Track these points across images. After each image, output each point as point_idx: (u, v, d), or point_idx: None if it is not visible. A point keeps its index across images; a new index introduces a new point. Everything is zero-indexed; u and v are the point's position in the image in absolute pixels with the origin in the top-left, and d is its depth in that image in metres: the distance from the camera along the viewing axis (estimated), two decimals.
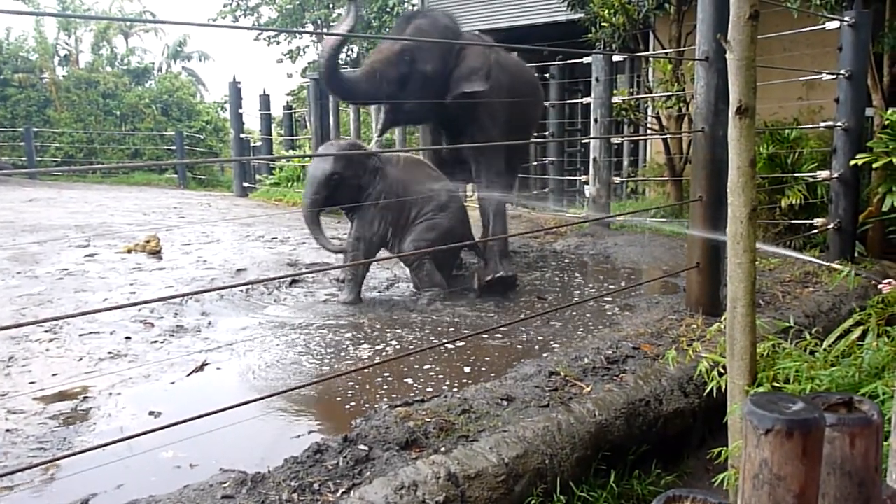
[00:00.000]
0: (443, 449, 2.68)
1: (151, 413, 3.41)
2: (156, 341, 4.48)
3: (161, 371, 3.96)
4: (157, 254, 7.14)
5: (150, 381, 3.84)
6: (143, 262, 6.79)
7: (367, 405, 3.46)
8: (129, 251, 7.18)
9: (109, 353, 4.25)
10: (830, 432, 0.76)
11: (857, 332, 3.07)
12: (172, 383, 3.81)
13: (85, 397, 3.60)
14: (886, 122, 6.23)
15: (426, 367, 4.02)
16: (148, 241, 7.29)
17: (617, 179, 9.13)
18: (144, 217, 10.25)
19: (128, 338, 4.53)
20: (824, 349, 2.99)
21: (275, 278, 5.16)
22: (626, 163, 12.09)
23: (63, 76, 21.40)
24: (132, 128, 20.80)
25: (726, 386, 2.84)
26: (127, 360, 4.13)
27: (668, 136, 9.21)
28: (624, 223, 8.64)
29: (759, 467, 0.69)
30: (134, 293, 5.59)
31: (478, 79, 5.83)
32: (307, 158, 12.22)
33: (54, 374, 3.90)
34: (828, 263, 5.45)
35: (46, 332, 4.57)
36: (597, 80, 8.43)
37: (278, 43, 22.49)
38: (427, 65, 5.83)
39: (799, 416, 0.69)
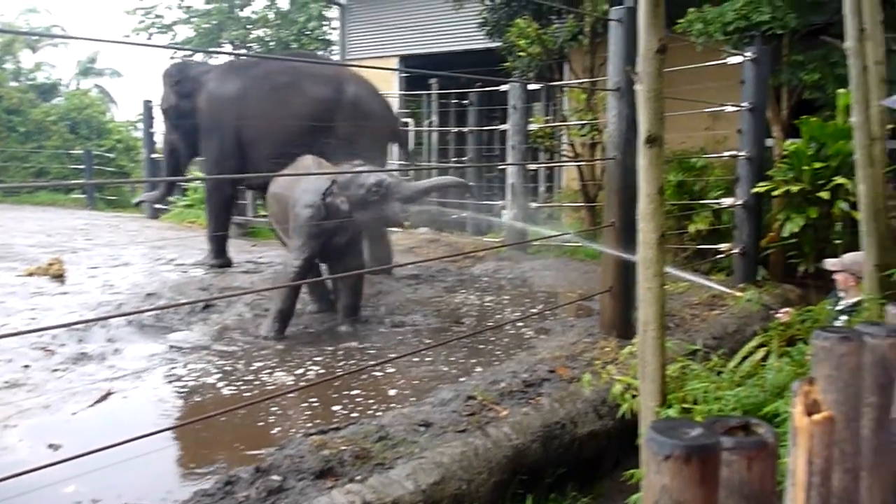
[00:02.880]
0: (358, 477, 2.64)
1: (51, 446, 3.25)
2: (57, 369, 4.28)
3: (62, 401, 3.79)
4: (60, 277, 6.85)
5: (51, 411, 3.66)
6: (46, 286, 6.49)
7: (281, 434, 3.38)
8: (31, 274, 6.86)
9: (6, 382, 4.04)
10: (728, 456, 0.78)
11: (760, 353, 3.19)
12: (74, 414, 3.65)
13: None
14: (785, 153, 6.57)
15: (336, 394, 3.96)
16: (51, 264, 6.99)
17: (533, 205, 9.29)
18: (48, 239, 9.81)
19: (26, 366, 4.32)
20: (730, 370, 3.09)
21: (186, 303, 5.01)
22: (542, 189, 12.31)
23: None
24: (38, 145, 19.97)
25: (639, 408, 2.90)
26: (25, 390, 3.93)
27: (582, 163, 9.43)
28: (540, 248, 8.78)
29: (660, 493, 0.70)
30: (34, 318, 5.33)
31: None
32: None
33: None
34: (730, 291, 5.66)
35: None
36: (514, 107, 8.59)
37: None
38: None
39: (697, 442, 0.70)
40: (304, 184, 5.19)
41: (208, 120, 7.25)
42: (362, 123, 6.91)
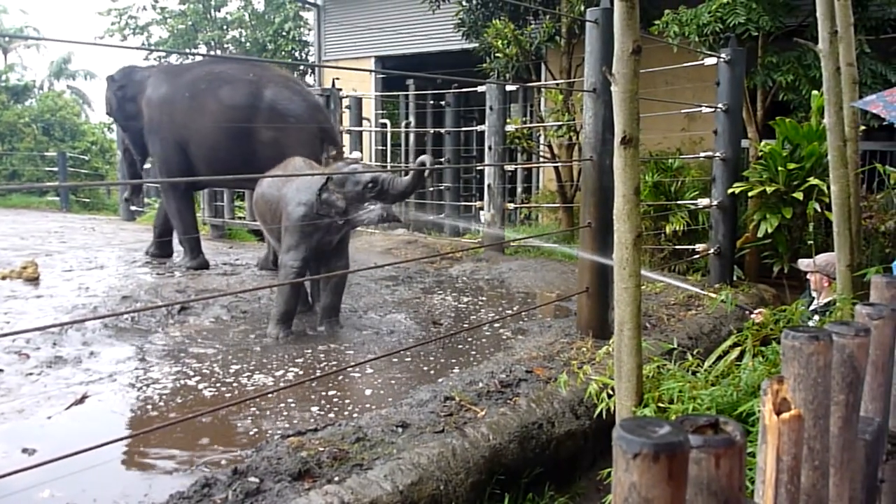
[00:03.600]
0: (336, 478, 2.64)
1: (25, 450, 3.21)
2: (31, 373, 4.22)
3: (37, 405, 3.74)
4: (34, 280, 6.76)
5: (25, 415, 3.62)
6: (19, 289, 6.41)
7: (259, 435, 3.37)
8: (4, 277, 6.76)
9: None
10: (697, 454, 0.79)
11: (735, 353, 3.23)
12: (49, 418, 3.60)
13: None
14: (760, 154, 6.64)
15: (314, 395, 3.96)
16: (24, 268, 6.89)
17: (511, 206, 9.32)
18: (21, 241, 9.68)
19: (0, 370, 4.26)
20: (705, 369, 3.12)
21: (162, 305, 4.97)
22: (519, 189, 12.35)
23: None
24: (10, 147, 19.70)
25: (615, 407, 2.92)
26: None
27: (559, 164, 9.48)
28: (517, 248, 8.81)
29: (629, 491, 0.71)
30: (8, 322, 5.27)
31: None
32: None
33: None
34: (704, 292, 5.72)
35: None
36: (490, 108, 8.61)
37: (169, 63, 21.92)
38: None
39: (664, 440, 0.71)
40: (296, 182, 5.18)
41: (148, 122, 7.58)
42: (283, 126, 7.05)
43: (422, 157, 5.09)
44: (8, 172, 19.37)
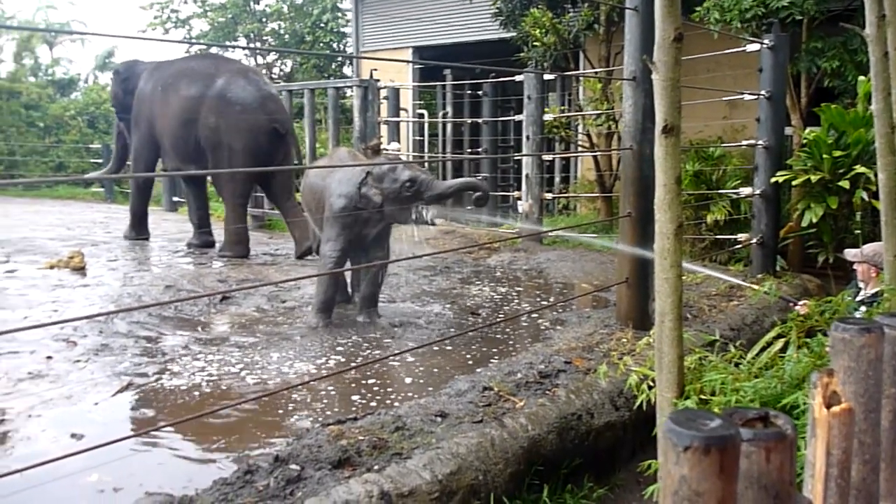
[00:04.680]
0: (376, 467, 2.66)
1: (74, 435, 3.29)
2: (79, 360, 4.32)
3: (84, 391, 3.83)
4: (81, 270, 6.91)
5: (73, 401, 3.70)
6: (67, 278, 6.56)
7: (301, 423, 3.41)
8: (52, 267, 6.93)
9: (29, 373, 4.08)
10: (747, 447, 0.78)
11: (778, 345, 3.17)
12: (96, 404, 3.69)
13: (2, 419, 3.44)
14: (804, 141, 6.50)
15: (354, 384, 3.99)
16: (71, 257, 7.06)
17: (549, 196, 9.27)
18: (68, 232, 9.91)
19: (49, 357, 4.37)
20: (748, 361, 3.08)
21: (204, 295, 5.05)
22: (557, 179, 12.28)
23: None
24: (56, 140, 20.14)
25: (655, 399, 2.89)
26: (48, 381, 3.97)
27: (597, 153, 9.40)
28: (556, 239, 8.77)
29: (679, 484, 0.70)
30: (56, 311, 5.40)
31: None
32: None
33: None
34: (747, 283, 5.64)
35: None
36: (528, 98, 8.56)
37: None
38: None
39: (716, 433, 0.70)
40: (339, 174, 5.23)
41: (134, 114, 8.44)
42: (226, 115, 7.57)
43: (471, 180, 5.12)
44: (55, 164, 19.80)
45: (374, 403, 3.70)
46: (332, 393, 3.88)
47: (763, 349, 3.20)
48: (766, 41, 6.08)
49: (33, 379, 4.00)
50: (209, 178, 8.93)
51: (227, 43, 20.57)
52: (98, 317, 5.01)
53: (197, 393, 3.82)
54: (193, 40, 21.07)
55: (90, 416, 3.54)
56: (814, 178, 6.15)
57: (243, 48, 20.76)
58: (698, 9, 7.55)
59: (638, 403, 3.14)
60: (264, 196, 10.49)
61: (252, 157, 7.59)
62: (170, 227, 9.92)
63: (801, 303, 4.23)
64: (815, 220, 6.18)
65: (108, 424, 3.45)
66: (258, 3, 20.70)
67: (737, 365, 3.02)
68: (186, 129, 7.76)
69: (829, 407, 1.08)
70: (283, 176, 8.17)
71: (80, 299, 5.77)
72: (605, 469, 3.47)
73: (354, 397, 3.81)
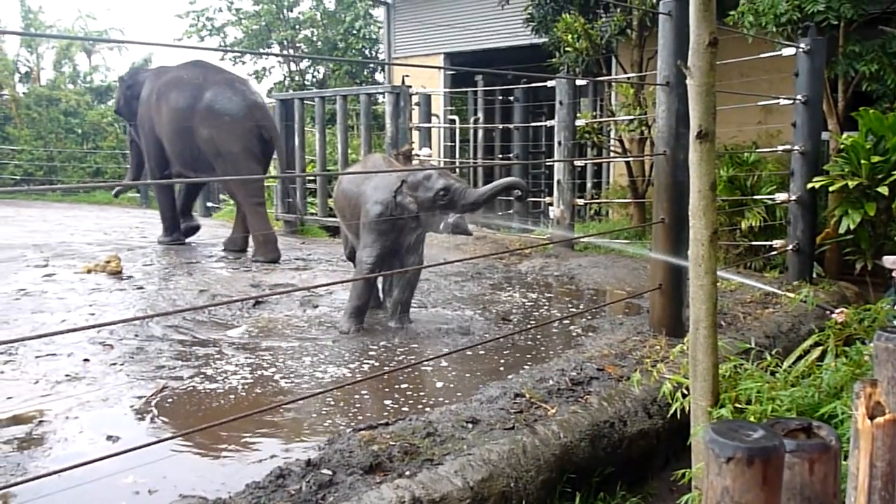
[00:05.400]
0: (407, 473, 2.66)
1: (110, 438, 3.33)
2: (115, 363, 4.39)
3: (120, 394, 3.88)
4: (117, 274, 7.02)
5: (109, 404, 3.75)
6: (103, 282, 6.67)
7: (332, 428, 3.42)
8: (89, 271, 7.05)
9: (67, 375, 4.15)
10: (790, 458, 0.77)
11: (816, 353, 3.12)
12: (132, 406, 3.73)
13: (41, 421, 3.50)
14: (842, 146, 6.40)
15: (386, 389, 3.99)
16: (108, 262, 7.17)
17: (581, 201, 9.23)
18: (105, 237, 10.09)
19: (86, 360, 4.44)
20: (784, 370, 3.03)
21: (238, 300, 5.09)
22: (589, 185, 12.20)
23: (23, 93, 21.03)
24: (94, 146, 20.49)
25: (689, 407, 2.86)
26: (85, 383, 4.03)
27: (630, 159, 9.34)
28: (587, 245, 8.72)
29: (721, 495, 0.69)
30: (93, 314, 5.49)
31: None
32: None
33: (9, 398, 3.80)
34: (781, 291, 5.55)
35: (1, 354, 4.45)
36: (560, 103, 8.53)
37: (244, 63, 22.35)
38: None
39: (759, 444, 0.69)
40: (375, 181, 5.25)
41: (139, 119, 8.88)
42: (217, 126, 7.98)
43: (506, 180, 5.11)
44: (92, 170, 20.15)
45: (405, 409, 3.70)
46: (364, 397, 3.89)
47: (800, 357, 3.15)
48: (801, 45, 6.00)
49: (71, 381, 4.06)
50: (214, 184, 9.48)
51: (262, 50, 20.78)
52: (134, 321, 5.08)
53: (231, 396, 3.86)
54: (228, 48, 21.32)
55: (126, 419, 3.59)
56: (851, 183, 6.05)
57: (277, 55, 20.98)
58: (732, 13, 7.47)
59: (672, 412, 3.11)
60: (293, 199, 10.62)
61: (252, 157, 8.11)
62: (204, 231, 10.03)
63: (837, 311, 4.15)
64: (852, 227, 6.08)
65: (143, 427, 3.50)
66: (291, 11, 20.91)
67: (773, 373, 2.97)
68: (183, 139, 8.20)
69: (872, 418, 1.06)
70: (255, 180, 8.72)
71: (116, 303, 5.86)
72: (637, 477, 3.44)
73: (386, 402, 3.81)
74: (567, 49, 9.33)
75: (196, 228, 9.51)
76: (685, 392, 2.96)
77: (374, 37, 19.57)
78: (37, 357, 4.45)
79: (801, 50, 6.00)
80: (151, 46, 26.19)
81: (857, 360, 2.86)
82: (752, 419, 2.60)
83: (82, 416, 3.58)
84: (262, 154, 8.33)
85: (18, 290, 6.21)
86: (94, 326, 3.45)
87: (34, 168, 19.50)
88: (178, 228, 9.31)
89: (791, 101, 6.17)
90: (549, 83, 9.21)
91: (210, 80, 8.26)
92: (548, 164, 11.89)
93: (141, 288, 6.43)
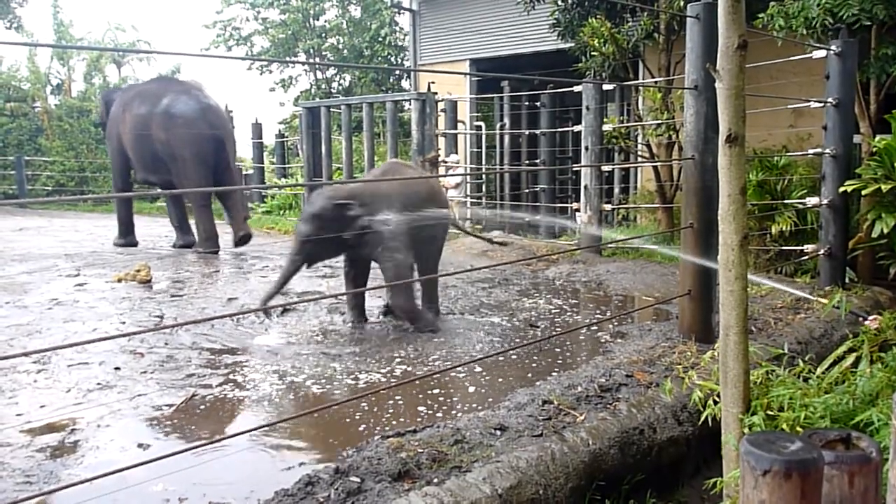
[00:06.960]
0: (435, 480, 2.65)
1: (140, 445, 3.37)
2: (145, 372, 4.43)
3: (151, 402, 3.92)
4: (147, 283, 7.10)
5: (140, 412, 3.79)
6: (133, 291, 6.75)
7: (360, 435, 3.42)
8: (120, 280, 7.14)
9: (98, 384, 4.20)
10: (829, 470, 0.75)
11: (850, 359, 3.06)
12: (162, 414, 3.77)
13: (73, 429, 3.55)
14: (874, 150, 6.28)
15: (413, 396, 3.99)
16: (138, 271, 7.26)
17: (608, 207, 9.16)
18: (135, 246, 10.21)
19: (117, 368, 4.48)
20: (818, 376, 2.98)
21: (266, 308, 5.12)
22: (617, 190, 12.14)
23: (55, 105, 21.39)
24: None
25: (720, 414, 2.82)
26: (116, 391, 4.08)
27: (658, 163, 9.27)
28: (615, 250, 8.66)
29: None
30: (124, 323, 5.55)
31: None
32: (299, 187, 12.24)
33: (42, 406, 3.85)
34: (813, 297, 5.47)
35: (34, 362, 4.52)
36: (587, 108, 8.49)
37: (270, 72, 22.59)
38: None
39: (797, 457, 0.68)
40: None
41: (107, 133, 9.89)
42: (172, 128, 8.69)
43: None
44: None
45: (438, 414, 3.69)
46: (392, 403, 3.88)
47: (833, 364, 3.10)
48: (833, 47, 5.91)
49: (102, 389, 4.11)
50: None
51: (288, 59, 20.96)
52: (164, 329, 5.13)
53: (260, 404, 3.88)
54: (255, 57, 21.53)
55: (156, 426, 3.62)
56: (885, 187, 5.93)
57: (304, 63, 21.14)
58: (761, 15, 7.38)
59: (703, 419, 3.07)
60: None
61: (202, 163, 8.88)
62: (230, 238, 10.11)
63: (871, 317, 4.08)
64: (886, 231, 5.96)
65: (173, 434, 3.53)
66: (318, 20, 21.08)
67: (805, 380, 2.92)
68: (141, 144, 9.00)
69: None
70: (233, 182, 9.61)
71: (146, 311, 5.93)
72: (667, 485, 3.40)
73: (412, 409, 3.81)
74: (593, 53, 9.29)
75: (192, 243, 9.89)
76: (716, 399, 2.92)
77: (399, 44, 19.66)
78: (69, 366, 4.51)
79: (832, 52, 5.91)
80: (179, 57, 26.50)
81: (894, 366, 2.81)
82: (784, 426, 2.56)
83: (114, 424, 3.61)
84: (215, 155, 8.92)
85: (51, 300, 6.30)
86: (125, 335, 3.49)
87: (66, 179, 19.81)
88: (133, 232, 10.19)
89: (822, 104, 6.08)
90: (576, 88, 9.16)
91: (168, 90, 9.02)
92: (575, 169, 11.85)
93: (172, 296, 6.49)
